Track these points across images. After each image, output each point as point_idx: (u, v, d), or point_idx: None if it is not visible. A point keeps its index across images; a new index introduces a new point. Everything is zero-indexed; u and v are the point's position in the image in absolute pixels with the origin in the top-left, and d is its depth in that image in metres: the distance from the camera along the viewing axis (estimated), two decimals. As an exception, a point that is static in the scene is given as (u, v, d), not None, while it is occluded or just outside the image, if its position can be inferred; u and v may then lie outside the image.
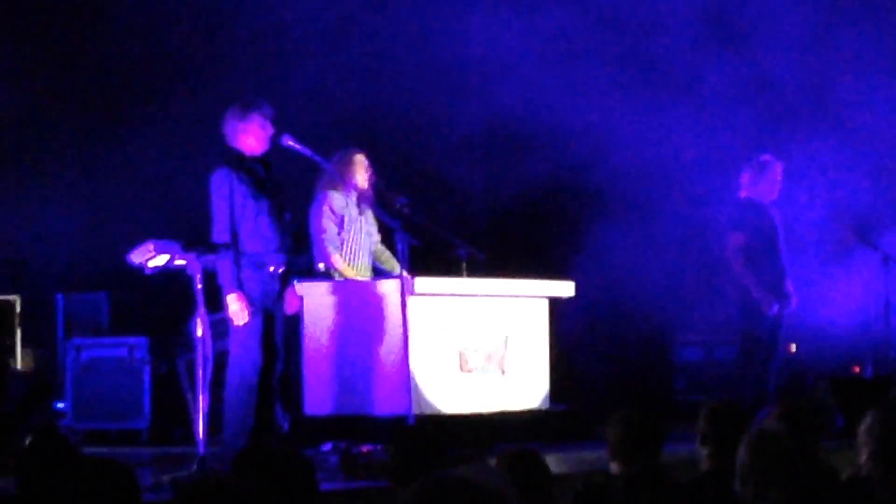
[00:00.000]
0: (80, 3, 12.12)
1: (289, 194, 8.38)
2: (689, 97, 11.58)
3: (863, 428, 4.67)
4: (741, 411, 5.42)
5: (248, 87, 10.12)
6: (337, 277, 9.36)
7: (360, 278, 9.39)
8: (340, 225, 9.41)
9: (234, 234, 8.08)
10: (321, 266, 9.38)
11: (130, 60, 12.01)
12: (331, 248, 9.36)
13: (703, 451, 5.23)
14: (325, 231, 9.35)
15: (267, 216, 8.16)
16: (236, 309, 8.01)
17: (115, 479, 3.89)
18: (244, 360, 8.06)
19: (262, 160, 8.27)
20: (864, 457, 4.62)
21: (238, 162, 8.17)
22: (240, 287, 8.01)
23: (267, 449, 4.28)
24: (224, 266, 7.99)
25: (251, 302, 8.05)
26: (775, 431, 4.57)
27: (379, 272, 9.59)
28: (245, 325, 8.04)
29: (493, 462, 4.93)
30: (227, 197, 8.08)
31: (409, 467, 5.05)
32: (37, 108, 11.93)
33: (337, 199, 9.40)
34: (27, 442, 5.26)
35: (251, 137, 8.20)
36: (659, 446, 5.31)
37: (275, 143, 8.28)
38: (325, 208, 9.38)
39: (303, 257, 9.04)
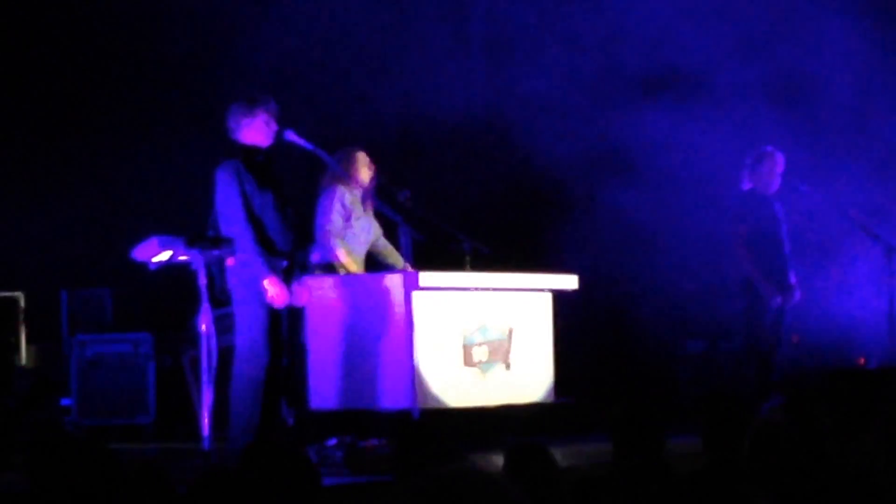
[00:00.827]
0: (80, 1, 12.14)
1: (288, 189, 8.39)
2: (701, 91, 11.56)
3: (872, 422, 4.66)
4: (744, 404, 5.42)
5: (247, 84, 10.12)
6: (340, 272, 9.37)
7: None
8: (347, 220, 9.42)
9: (254, 221, 8.08)
10: (318, 258, 9.38)
11: (131, 57, 12.02)
12: (336, 242, 9.37)
13: (706, 444, 5.23)
14: (332, 224, 9.37)
15: (271, 210, 8.17)
16: (275, 291, 8.02)
17: (151, 483, 3.86)
18: (250, 355, 8.06)
19: (264, 154, 8.28)
20: (873, 451, 4.61)
21: (244, 155, 8.19)
22: (272, 270, 8.02)
23: (273, 445, 4.29)
24: (250, 251, 8.00)
25: (259, 296, 8.03)
26: (779, 423, 4.57)
27: (381, 266, 9.60)
28: (251, 319, 8.04)
29: (499, 456, 4.93)
30: (237, 190, 8.09)
31: (411, 461, 5.06)
32: (39, 105, 11.94)
33: (347, 195, 9.43)
34: (29, 439, 5.26)
35: (256, 132, 8.22)
36: (662, 438, 5.31)
37: (278, 138, 8.31)
38: (336, 202, 9.39)
39: (302, 252, 9.05)
